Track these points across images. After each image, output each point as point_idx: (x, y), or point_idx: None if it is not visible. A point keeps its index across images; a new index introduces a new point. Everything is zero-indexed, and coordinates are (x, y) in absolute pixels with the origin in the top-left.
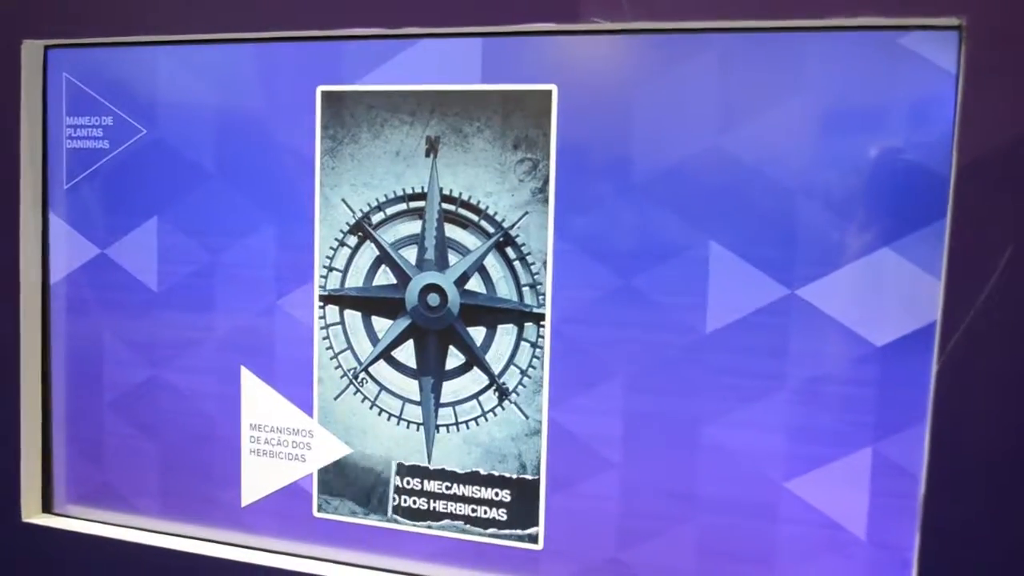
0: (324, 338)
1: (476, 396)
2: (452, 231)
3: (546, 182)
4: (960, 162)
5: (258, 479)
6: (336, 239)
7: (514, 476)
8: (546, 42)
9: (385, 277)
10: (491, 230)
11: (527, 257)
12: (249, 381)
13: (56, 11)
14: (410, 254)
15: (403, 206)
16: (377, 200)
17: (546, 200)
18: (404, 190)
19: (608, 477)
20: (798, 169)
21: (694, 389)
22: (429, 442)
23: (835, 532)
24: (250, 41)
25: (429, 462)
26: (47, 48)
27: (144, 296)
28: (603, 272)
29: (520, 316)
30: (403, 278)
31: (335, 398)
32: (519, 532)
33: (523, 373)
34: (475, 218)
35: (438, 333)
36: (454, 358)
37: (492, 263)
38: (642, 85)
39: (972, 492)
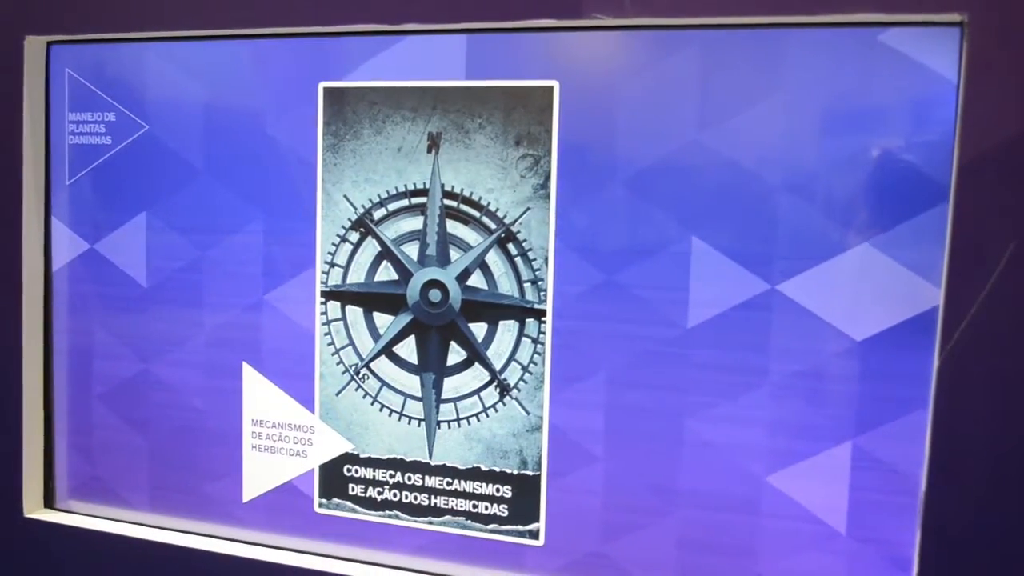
0: (325, 334)
1: (477, 392)
2: (454, 227)
3: (547, 178)
4: (960, 161)
5: (259, 475)
6: (338, 235)
7: (515, 472)
8: (546, 38)
9: (387, 273)
10: (493, 226)
11: (528, 253)
12: (251, 377)
13: (59, 7)
14: (412, 250)
15: (405, 202)
16: (379, 196)
17: (547, 196)
18: (406, 186)
19: (605, 470)
20: (782, 166)
21: (681, 383)
22: (430, 438)
23: (816, 526)
24: (251, 37)
25: (430, 458)
26: (50, 44)
27: (136, 291)
28: (603, 271)
29: (521, 312)
30: (405, 274)
31: (336, 394)
32: (520, 528)
33: (524, 369)
34: (477, 214)
35: (439, 329)
36: (455, 354)
37: (493, 259)
38: (638, 81)
39: (972, 492)
